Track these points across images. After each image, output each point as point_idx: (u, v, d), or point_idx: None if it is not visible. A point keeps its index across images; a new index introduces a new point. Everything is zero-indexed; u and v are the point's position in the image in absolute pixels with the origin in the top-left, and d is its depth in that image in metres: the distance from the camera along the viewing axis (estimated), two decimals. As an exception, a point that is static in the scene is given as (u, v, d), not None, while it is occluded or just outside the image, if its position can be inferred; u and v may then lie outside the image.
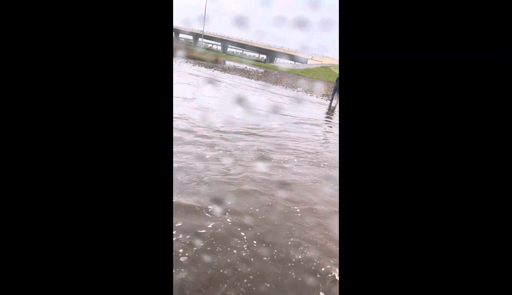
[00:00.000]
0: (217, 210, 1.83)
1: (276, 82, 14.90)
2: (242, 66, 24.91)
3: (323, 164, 3.11)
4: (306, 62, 41.79)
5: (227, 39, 48.20)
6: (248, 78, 14.34)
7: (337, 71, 28.95)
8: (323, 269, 1.45)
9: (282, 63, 45.78)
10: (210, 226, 1.64)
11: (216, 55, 29.21)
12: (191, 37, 55.07)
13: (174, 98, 3.68)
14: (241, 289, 1.24)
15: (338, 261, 1.40)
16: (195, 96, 6.12)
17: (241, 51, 62.28)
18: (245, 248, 1.51)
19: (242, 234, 1.63)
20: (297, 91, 12.31)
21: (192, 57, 21.32)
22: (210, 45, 55.53)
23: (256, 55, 61.18)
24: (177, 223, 1.63)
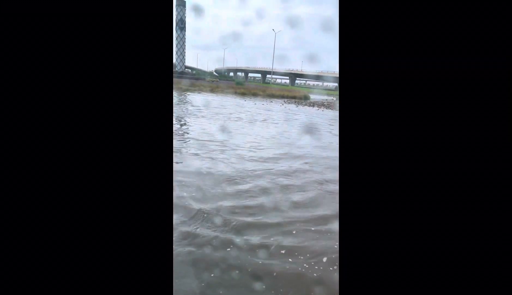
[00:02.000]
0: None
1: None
2: (329, 98, 24.73)
3: None
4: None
5: (295, 72, 49.70)
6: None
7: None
8: None
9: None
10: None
11: (288, 89, 29.92)
12: (259, 75, 58.60)
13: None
14: None
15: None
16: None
17: (305, 81, 63.11)
18: None
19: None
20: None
21: (272, 95, 21.75)
22: (276, 79, 58.05)
23: (320, 83, 61.05)
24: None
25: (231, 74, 62.79)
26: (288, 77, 53.28)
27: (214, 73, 57.48)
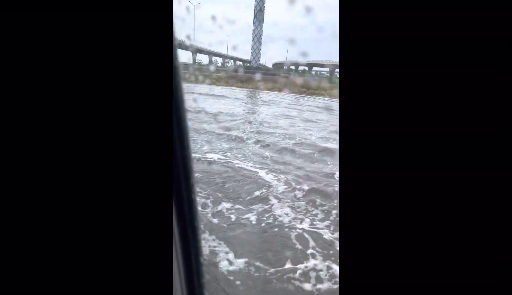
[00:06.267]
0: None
1: None
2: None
3: None
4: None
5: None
6: None
7: None
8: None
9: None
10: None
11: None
12: (326, 69, 54.64)
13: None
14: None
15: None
16: None
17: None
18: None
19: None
20: None
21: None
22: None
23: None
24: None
25: (292, 68, 59.70)
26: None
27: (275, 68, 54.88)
